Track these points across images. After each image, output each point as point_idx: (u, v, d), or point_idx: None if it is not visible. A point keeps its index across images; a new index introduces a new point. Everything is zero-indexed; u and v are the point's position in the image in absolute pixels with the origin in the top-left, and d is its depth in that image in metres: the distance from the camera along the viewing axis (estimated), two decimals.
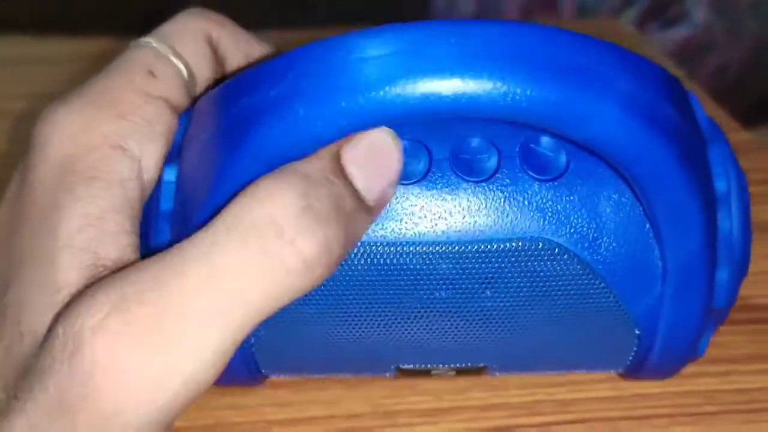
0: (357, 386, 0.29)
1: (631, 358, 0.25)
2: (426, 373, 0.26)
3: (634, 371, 0.26)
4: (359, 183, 0.20)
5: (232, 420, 0.28)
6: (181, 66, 0.24)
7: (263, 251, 0.18)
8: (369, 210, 0.20)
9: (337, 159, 0.20)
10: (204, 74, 0.25)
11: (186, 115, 0.24)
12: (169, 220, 0.23)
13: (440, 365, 0.26)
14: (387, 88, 0.19)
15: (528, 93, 0.19)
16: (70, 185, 0.21)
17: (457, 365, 0.26)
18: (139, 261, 0.19)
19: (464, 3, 0.88)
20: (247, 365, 0.25)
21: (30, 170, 0.22)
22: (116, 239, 0.21)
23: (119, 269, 0.20)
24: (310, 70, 0.19)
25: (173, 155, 0.23)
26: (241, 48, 0.27)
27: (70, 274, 0.20)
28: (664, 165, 0.20)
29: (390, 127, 0.20)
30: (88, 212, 0.21)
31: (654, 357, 0.24)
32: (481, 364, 0.26)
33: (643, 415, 0.28)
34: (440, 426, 0.28)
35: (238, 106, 0.21)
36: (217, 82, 0.26)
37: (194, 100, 0.25)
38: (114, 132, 0.22)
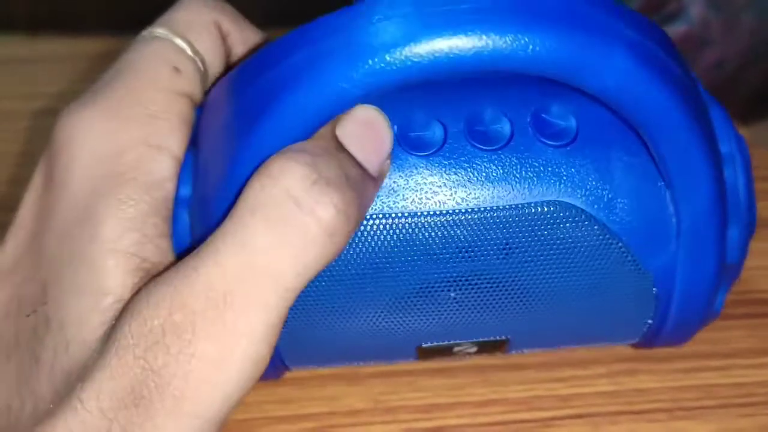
0: (357, 382, 0.29)
1: (649, 321, 0.25)
2: (448, 350, 0.26)
3: (653, 337, 0.26)
4: (358, 155, 0.21)
5: (234, 417, 0.28)
6: (198, 61, 0.24)
7: (287, 224, 0.19)
8: (373, 179, 0.21)
9: (334, 137, 0.20)
10: (216, 67, 0.25)
11: (198, 111, 0.24)
12: (186, 207, 0.23)
13: (461, 341, 0.26)
14: (413, 44, 0.19)
15: (547, 45, 0.19)
16: (110, 187, 0.21)
17: (478, 339, 0.26)
18: (181, 260, 0.20)
19: None
20: (272, 358, 0.25)
21: (58, 170, 0.22)
22: (156, 243, 0.21)
23: (161, 271, 0.21)
24: (332, 35, 0.20)
25: (189, 144, 0.23)
26: (246, 40, 0.26)
27: (115, 279, 0.20)
28: (674, 115, 0.21)
29: (415, 83, 0.20)
30: (130, 216, 0.21)
31: (672, 317, 0.25)
32: (502, 337, 0.26)
33: (642, 410, 0.28)
34: (439, 422, 0.28)
35: (255, 85, 0.21)
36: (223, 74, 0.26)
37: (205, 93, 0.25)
38: (150, 132, 0.22)
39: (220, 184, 0.21)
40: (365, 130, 0.21)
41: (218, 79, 0.25)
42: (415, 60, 0.19)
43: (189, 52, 0.24)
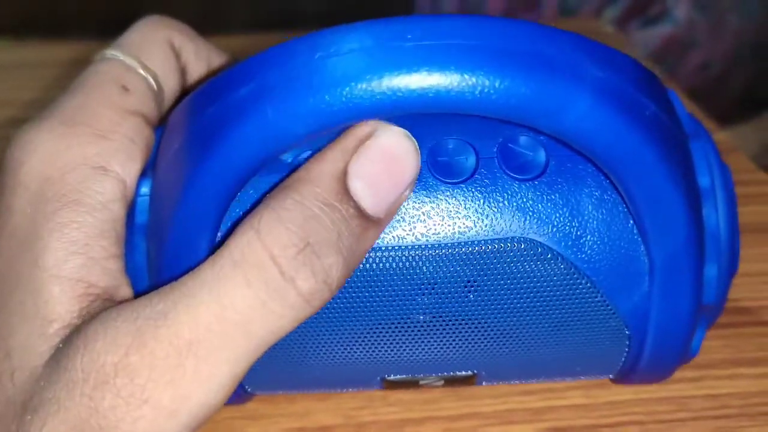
0: (328, 398, 0.29)
1: (622, 360, 0.25)
2: (414, 383, 0.26)
3: (627, 375, 0.25)
4: (366, 201, 0.20)
5: None
6: (150, 78, 0.24)
7: (266, 290, 0.18)
8: (377, 223, 0.20)
9: (340, 180, 0.19)
10: (171, 84, 0.25)
11: (161, 129, 0.23)
12: (144, 234, 0.22)
13: (428, 375, 0.25)
14: (354, 84, 0.18)
15: (497, 85, 0.18)
16: (53, 210, 0.21)
17: (445, 374, 0.25)
18: (147, 295, 0.19)
19: (447, 3, 0.87)
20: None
21: (5, 193, 0.21)
22: (104, 266, 0.21)
23: (122, 301, 0.20)
24: (276, 70, 0.19)
25: (148, 168, 0.23)
26: (201, 56, 0.26)
27: (61, 305, 0.20)
28: (642, 156, 0.20)
29: (358, 121, 0.19)
30: (74, 239, 0.20)
31: (645, 357, 0.24)
32: (470, 372, 0.25)
33: (616, 422, 0.28)
34: None
35: (204, 115, 0.20)
36: (183, 93, 0.26)
37: (166, 113, 0.25)
38: (95, 152, 0.21)
39: (172, 211, 0.21)
40: (384, 167, 0.20)
41: (179, 99, 0.24)
42: (355, 101, 0.18)
43: (139, 69, 0.24)
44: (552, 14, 0.86)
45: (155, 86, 0.24)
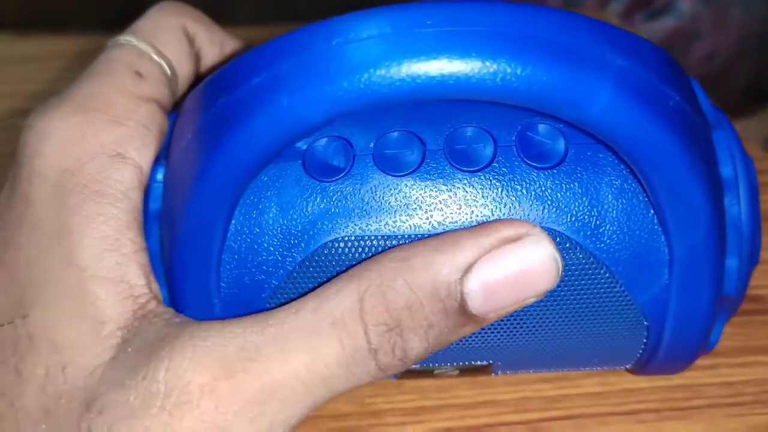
0: None
1: (640, 351, 0.24)
2: (428, 372, 0.26)
3: (644, 366, 0.25)
4: (476, 304, 0.19)
5: None
6: (164, 64, 0.24)
7: (354, 355, 0.19)
8: (476, 321, 0.20)
9: (459, 272, 0.19)
10: (184, 70, 0.25)
11: (174, 115, 0.23)
12: (157, 221, 0.22)
13: (443, 364, 0.25)
14: (373, 70, 0.18)
15: (519, 73, 0.18)
16: (76, 203, 0.20)
17: (461, 364, 0.25)
18: (232, 321, 0.20)
19: None
20: None
21: (21, 183, 0.21)
22: (137, 261, 0.21)
23: (156, 298, 0.21)
24: (292, 58, 0.19)
25: (162, 154, 0.23)
26: (215, 42, 0.26)
27: (110, 308, 0.20)
28: (664, 147, 0.19)
29: (379, 110, 0.19)
30: (104, 234, 0.20)
31: (663, 349, 0.24)
32: (486, 362, 0.25)
33: (631, 410, 0.28)
34: (427, 425, 0.28)
35: (217, 104, 0.20)
36: (197, 79, 0.26)
37: (180, 98, 0.24)
38: (111, 139, 0.21)
39: (186, 200, 0.21)
40: (514, 281, 0.19)
41: (193, 85, 0.24)
42: (374, 87, 0.18)
43: (153, 55, 0.24)
44: (557, 5, 0.86)
45: (169, 72, 0.24)
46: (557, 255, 0.19)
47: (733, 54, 0.91)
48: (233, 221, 0.22)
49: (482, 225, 0.20)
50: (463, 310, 0.19)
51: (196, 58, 0.26)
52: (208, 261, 0.21)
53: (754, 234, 0.23)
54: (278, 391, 0.19)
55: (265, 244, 0.22)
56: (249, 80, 0.19)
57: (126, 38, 0.24)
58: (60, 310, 0.20)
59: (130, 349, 0.19)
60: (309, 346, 0.19)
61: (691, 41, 0.89)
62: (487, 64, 0.18)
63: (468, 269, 0.19)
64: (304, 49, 0.19)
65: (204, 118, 0.21)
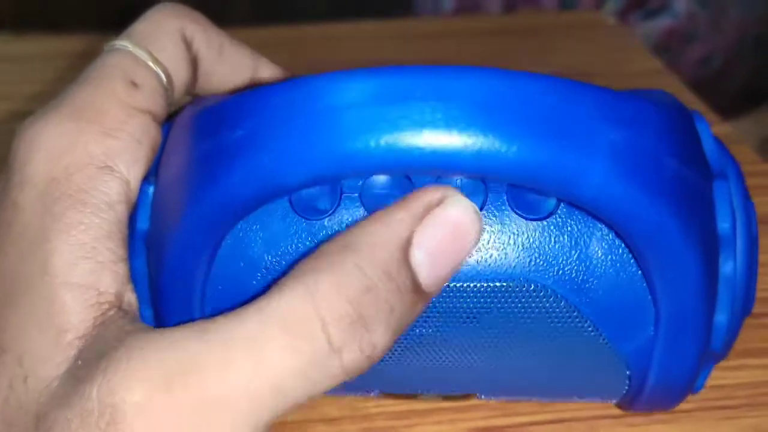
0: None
1: (623, 394, 0.24)
2: (412, 396, 0.26)
3: (629, 406, 0.25)
4: (423, 273, 0.19)
5: None
6: (160, 72, 0.23)
7: (312, 359, 0.18)
8: (426, 298, 0.19)
9: (404, 248, 0.19)
10: (181, 77, 0.25)
11: (168, 127, 0.23)
12: (144, 241, 0.22)
13: (425, 393, 0.25)
14: (354, 141, 0.18)
15: (507, 151, 0.18)
16: (60, 211, 0.20)
17: (444, 393, 0.25)
18: (178, 328, 0.18)
19: (447, 0, 0.87)
20: None
21: (12, 189, 0.21)
22: (113, 270, 0.20)
23: (121, 306, 0.20)
24: (277, 113, 0.18)
25: (152, 171, 0.22)
26: (213, 46, 0.26)
27: (74, 314, 0.19)
28: (658, 225, 0.19)
29: (358, 177, 0.19)
30: (82, 242, 0.20)
31: (645, 396, 0.24)
32: (468, 392, 0.25)
33: (621, 414, 0.28)
34: (418, 428, 0.28)
35: (203, 147, 0.20)
36: (193, 81, 0.26)
37: (174, 111, 0.24)
38: (101, 151, 0.21)
39: (172, 232, 0.20)
40: (449, 240, 0.19)
41: (188, 90, 0.24)
42: (355, 159, 0.18)
43: (149, 63, 0.23)
44: (552, 6, 0.86)
45: (165, 80, 0.24)
46: (474, 205, 0.19)
47: (730, 55, 0.91)
48: (219, 252, 0.21)
49: (405, 197, 0.19)
50: (414, 285, 0.19)
51: (194, 61, 0.25)
52: (193, 291, 0.21)
53: (749, 287, 0.23)
54: (221, 406, 0.17)
55: (249, 278, 0.22)
56: (234, 129, 0.19)
57: (122, 43, 0.23)
58: (31, 319, 0.20)
59: (80, 362, 0.19)
60: (254, 355, 0.17)
61: (688, 42, 0.89)
62: (474, 139, 0.17)
63: (409, 241, 0.19)
64: (290, 106, 0.18)
65: (190, 156, 0.20)
